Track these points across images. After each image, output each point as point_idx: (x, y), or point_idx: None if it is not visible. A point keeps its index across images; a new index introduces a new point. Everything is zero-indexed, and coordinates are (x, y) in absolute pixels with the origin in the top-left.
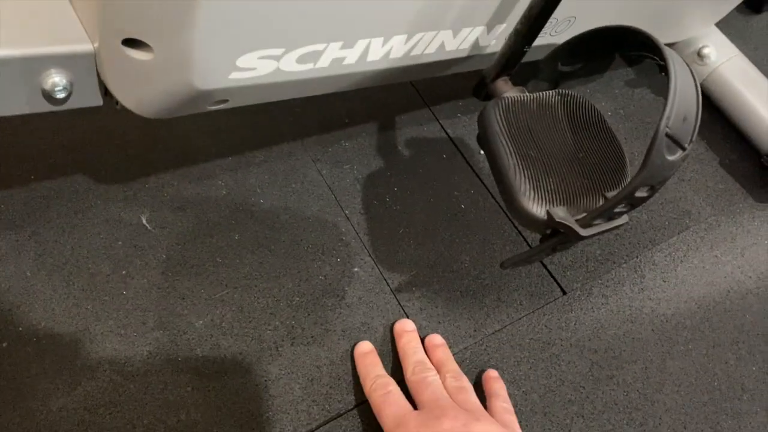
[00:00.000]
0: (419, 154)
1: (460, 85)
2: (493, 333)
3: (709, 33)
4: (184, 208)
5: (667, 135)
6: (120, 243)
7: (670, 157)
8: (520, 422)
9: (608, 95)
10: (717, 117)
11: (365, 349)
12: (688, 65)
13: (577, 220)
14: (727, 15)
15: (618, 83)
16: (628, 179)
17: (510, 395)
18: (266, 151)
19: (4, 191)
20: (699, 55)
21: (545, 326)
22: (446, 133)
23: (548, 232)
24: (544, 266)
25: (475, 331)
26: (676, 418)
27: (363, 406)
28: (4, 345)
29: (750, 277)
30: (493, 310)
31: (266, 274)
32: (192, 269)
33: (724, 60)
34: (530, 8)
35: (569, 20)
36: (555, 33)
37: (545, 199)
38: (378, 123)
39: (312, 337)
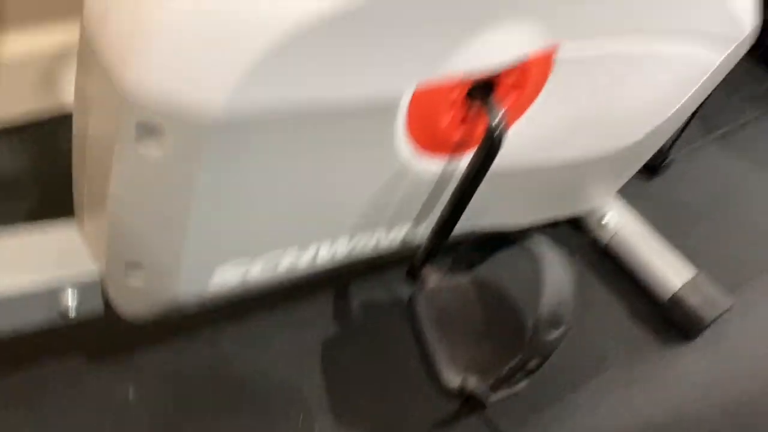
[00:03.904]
0: (372, 318)
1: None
2: None
3: (609, 202)
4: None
5: (546, 319)
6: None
7: (553, 336)
8: None
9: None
10: (623, 272)
11: None
12: (560, 261)
13: (490, 387)
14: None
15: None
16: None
17: None
18: (239, 318)
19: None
20: (600, 222)
21: None
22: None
23: (464, 398)
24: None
25: None
26: None
27: None
28: None
29: (662, 412)
30: None
31: None
32: None
33: (623, 225)
34: (443, 218)
35: (481, 212)
36: (468, 225)
37: (458, 369)
38: (336, 289)
39: None
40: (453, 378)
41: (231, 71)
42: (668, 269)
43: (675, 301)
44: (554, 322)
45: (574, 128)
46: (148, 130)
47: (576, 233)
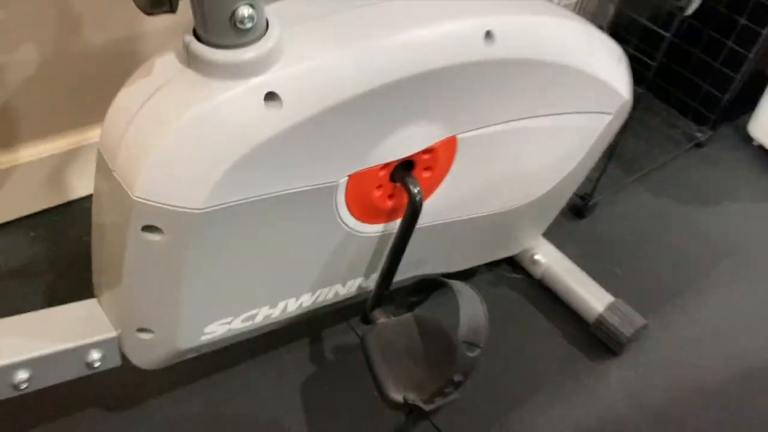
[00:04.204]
0: (340, 356)
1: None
2: None
3: (538, 243)
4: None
5: (465, 342)
6: None
7: (471, 354)
8: None
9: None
10: (556, 300)
11: None
12: (474, 296)
13: (423, 401)
14: (558, 221)
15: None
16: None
17: None
18: (228, 368)
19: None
20: (532, 261)
21: None
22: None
23: (407, 411)
24: None
25: None
26: None
27: None
28: None
29: (594, 417)
30: None
31: None
32: None
33: (552, 261)
34: (383, 271)
35: (423, 262)
36: (414, 273)
37: (402, 388)
38: (309, 335)
39: None
40: (396, 395)
41: (205, 183)
42: (591, 296)
43: (599, 323)
44: (471, 344)
45: (487, 189)
46: (150, 228)
47: (514, 270)
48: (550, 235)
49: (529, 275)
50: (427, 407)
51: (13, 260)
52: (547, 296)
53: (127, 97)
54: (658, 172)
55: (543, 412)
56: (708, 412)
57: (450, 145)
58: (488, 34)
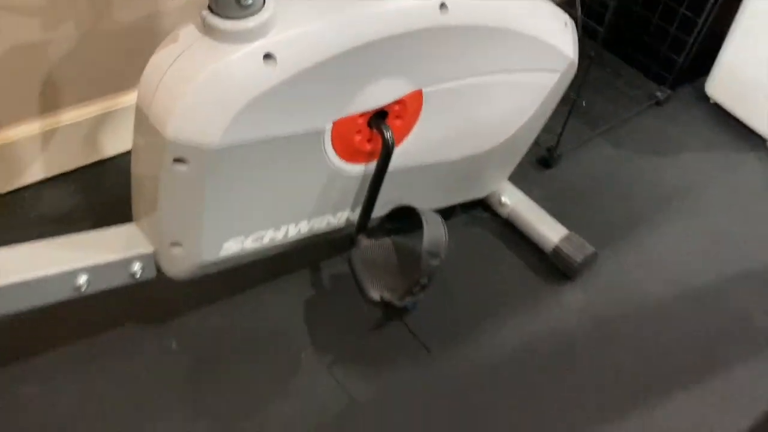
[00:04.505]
0: (335, 280)
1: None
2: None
3: (505, 187)
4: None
5: (427, 251)
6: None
7: (433, 262)
8: None
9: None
10: (520, 235)
11: None
12: (436, 218)
13: (396, 299)
14: (527, 171)
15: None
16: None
17: None
18: (242, 290)
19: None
20: (500, 203)
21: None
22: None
23: (384, 307)
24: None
25: None
26: None
27: None
28: None
29: (547, 331)
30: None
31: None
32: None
33: (516, 202)
34: (364, 203)
35: (392, 203)
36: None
37: (379, 289)
38: (309, 266)
39: None
40: (375, 295)
41: (220, 124)
42: (550, 230)
43: (555, 252)
44: (433, 254)
45: (452, 136)
46: (179, 160)
47: (485, 212)
48: (519, 182)
49: (497, 215)
50: (398, 303)
51: (56, 210)
52: (513, 233)
53: (158, 60)
54: (619, 127)
55: (504, 323)
56: (647, 326)
57: (417, 97)
58: (442, 5)
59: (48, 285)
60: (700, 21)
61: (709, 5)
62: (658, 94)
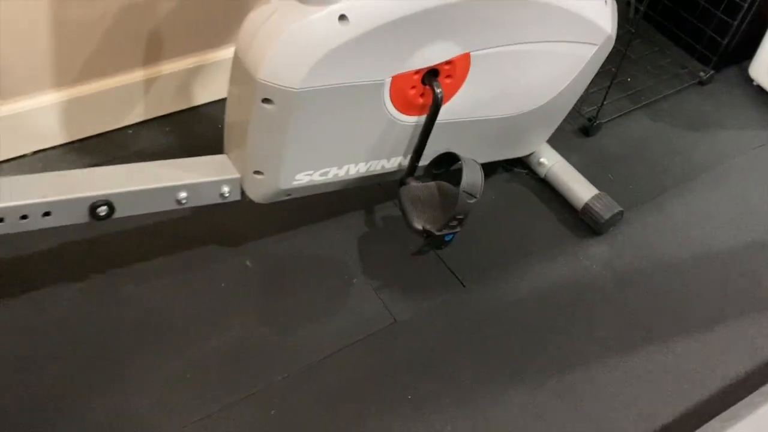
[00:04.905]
0: (388, 221)
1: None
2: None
3: (544, 149)
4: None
5: (465, 191)
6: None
7: (470, 201)
8: None
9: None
10: (555, 193)
11: None
12: (476, 162)
13: (436, 229)
14: (569, 137)
15: (502, 176)
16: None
17: None
18: (307, 223)
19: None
20: (539, 163)
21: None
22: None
23: (425, 235)
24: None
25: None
26: None
27: None
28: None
29: (573, 277)
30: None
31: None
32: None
33: (554, 163)
34: (415, 149)
35: (439, 153)
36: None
37: (422, 221)
38: (364, 209)
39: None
40: (418, 225)
41: (302, 70)
42: (582, 189)
43: (585, 208)
44: (470, 193)
45: (496, 96)
46: (266, 100)
47: (525, 170)
48: (560, 147)
49: (536, 174)
50: (437, 233)
51: (153, 147)
52: (549, 190)
53: (255, 17)
54: (660, 103)
55: (532, 267)
56: (660, 280)
57: (465, 59)
58: None
59: (158, 195)
60: (746, 5)
61: None
62: (702, 73)
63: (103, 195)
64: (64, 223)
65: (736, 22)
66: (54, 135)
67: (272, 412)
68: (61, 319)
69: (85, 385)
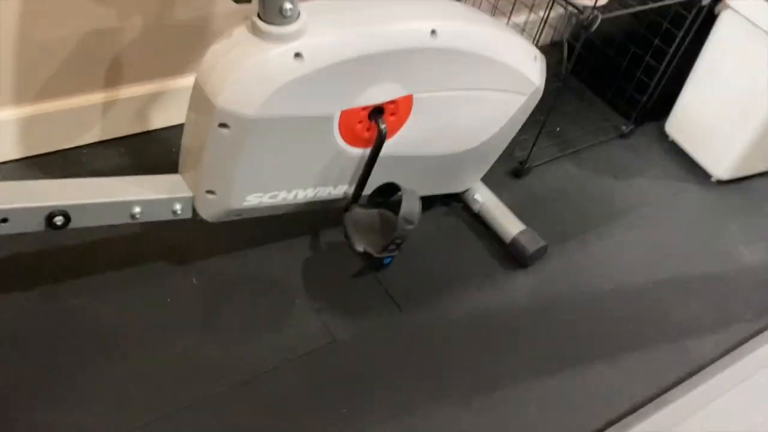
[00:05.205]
0: (330, 244)
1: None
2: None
3: (479, 187)
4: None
5: (404, 218)
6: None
7: (408, 227)
8: None
9: (431, 217)
10: (486, 227)
11: None
12: (415, 192)
13: (376, 252)
14: (501, 178)
15: (439, 209)
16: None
17: None
18: (253, 246)
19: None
20: (473, 199)
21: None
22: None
23: (366, 257)
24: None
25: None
26: None
27: None
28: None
29: (499, 307)
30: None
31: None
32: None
33: (486, 200)
34: (360, 179)
35: (379, 182)
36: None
37: (363, 244)
38: (309, 233)
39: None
40: (359, 247)
41: (258, 100)
42: (510, 225)
43: (513, 242)
44: (408, 220)
45: (434, 136)
46: (223, 124)
47: (460, 204)
48: (493, 187)
49: (470, 209)
50: (377, 255)
51: (107, 167)
52: (480, 225)
53: (217, 48)
54: (585, 152)
55: (463, 294)
56: (579, 309)
57: (408, 100)
58: (433, 32)
59: (113, 209)
60: (661, 66)
61: (668, 56)
62: (624, 127)
63: (61, 205)
64: (20, 231)
65: (653, 83)
66: (11, 149)
67: (211, 421)
68: (7, 328)
69: (28, 394)
